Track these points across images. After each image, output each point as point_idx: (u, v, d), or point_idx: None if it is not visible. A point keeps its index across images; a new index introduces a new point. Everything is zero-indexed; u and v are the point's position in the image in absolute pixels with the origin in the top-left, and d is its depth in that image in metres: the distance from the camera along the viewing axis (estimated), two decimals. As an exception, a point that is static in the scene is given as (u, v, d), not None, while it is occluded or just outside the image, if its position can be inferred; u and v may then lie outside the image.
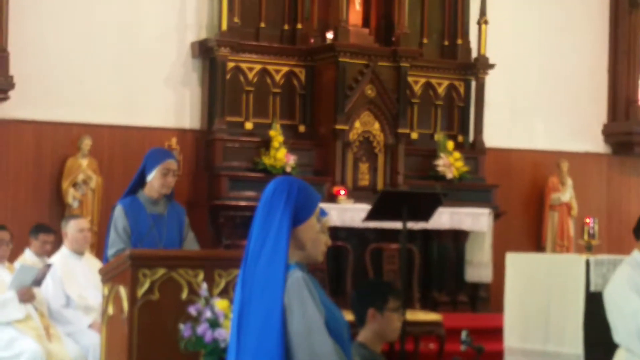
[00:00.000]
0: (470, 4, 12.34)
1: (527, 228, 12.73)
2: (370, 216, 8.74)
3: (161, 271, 5.88)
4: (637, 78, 13.42)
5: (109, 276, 6.20)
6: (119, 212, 6.56)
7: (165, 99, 11.43)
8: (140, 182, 6.67)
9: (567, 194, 12.69)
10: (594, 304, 7.30)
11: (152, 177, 6.54)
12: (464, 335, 5.84)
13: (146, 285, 5.83)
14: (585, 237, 8.37)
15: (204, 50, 11.33)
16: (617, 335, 5.63)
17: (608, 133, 13.66)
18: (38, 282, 7.62)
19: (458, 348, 7.34)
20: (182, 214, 6.90)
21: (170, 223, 6.70)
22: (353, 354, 4.84)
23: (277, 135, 11.05)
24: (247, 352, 3.62)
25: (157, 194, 6.54)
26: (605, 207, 13.28)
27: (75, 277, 7.99)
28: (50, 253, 8.32)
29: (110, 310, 6.12)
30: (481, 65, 12.18)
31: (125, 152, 10.90)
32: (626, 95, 13.46)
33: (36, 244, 8.16)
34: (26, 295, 7.58)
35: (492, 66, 12.22)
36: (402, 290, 7.58)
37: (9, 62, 10.23)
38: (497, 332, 8.56)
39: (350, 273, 10.40)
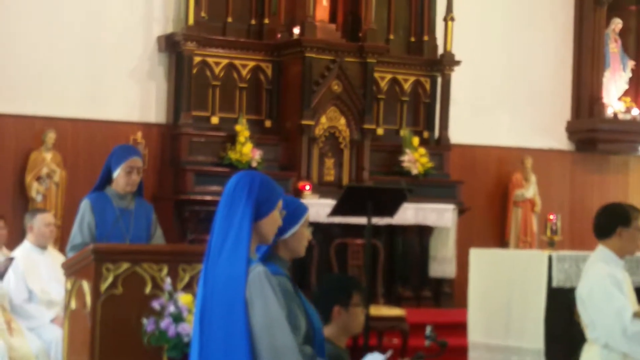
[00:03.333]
0: (437, 0, 12.36)
1: (491, 224, 12.81)
2: (335, 211, 8.73)
3: (125, 265, 5.83)
4: (601, 75, 13.51)
5: (71, 270, 6.16)
6: (85, 206, 6.53)
7: (131, 92, 11.35)
8: (108, 178, 6.65)
9: (530, 190, 12.77)
10: (556, 300, 7.36)
11: (117, 174, 6.51)
12: (427, 330, 5.83)
13: (109, 280, 5.78)
14: (548, 233, 8.43)
15: (170, 44, 11.27)
16: (595, 332, 5.63)
17: (572, 130, 13.75)
18: (0, 276, 7.57)
19: (422, 343, 7.30)
20: (150, 211, 6.86)
21: (137, 219, 6.67)
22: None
23: (243, 130, 11.02)
24: (212, 347, 3.62)
25: (123, 191, 6.52)
26: (568, 204, 13.38)
27: (38, 271, 7.93)
28: (1, 240, 8.34)
29: (73, 304, 6.08)
30: (447, 62, 12.20)
31: (90, 145, 10.82)
32: (590, 92, 13.54)
33: None
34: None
35: (457, 63, 12.26)
36: (365, 285, 7.59)
37: (-29, 54, 10.13)
38: (460, 327, 8.58)
39: (314, 268, 10.40)
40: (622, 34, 13.74)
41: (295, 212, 4.13)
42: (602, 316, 5.60)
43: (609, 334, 5.59)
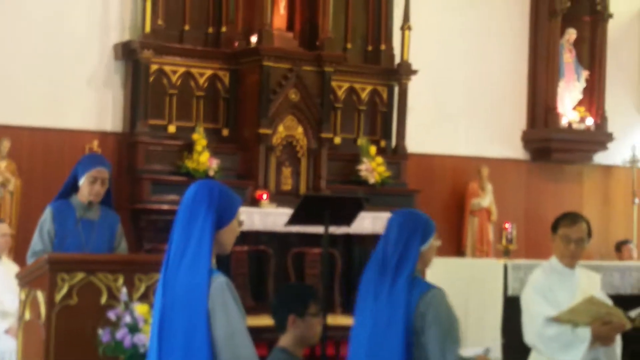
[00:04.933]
0: (394, 9, 12.41)
1: (448, 233, 12.73)
2: (293, 220, 8.71)
3: (80, 275, 5.77)
4: (556, 85, 13.62)
5: (26, 280, 6.08)
6: (47, 214, 6.47)
7: (87, 100, 11.25)
8: (73, 186, 6.58)
9: (486, 200, 12.83)
10: (512, 308, 7.40)
11: (82, 183, 6.45)
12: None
13: (64, 290, 5.72)
14: (504, 242, 8.47)
15: (127, 52, 11.20)
16: (527, 336, 5.75)
17: (527, 139, 13.86)
18: None
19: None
20: (116, 222, 6.79)
21: (100, 230, 6.59)
22: (275, 358, 4.87)
23: (200, 139, 10.98)
24: (174, 357, 3.60)
25: (87, 201, 6.45)
26: (524, 213, 13.46)
27: (-9, 282, 7.86)
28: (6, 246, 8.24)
29: (27, 315, 5.99)
30: (404, 71, 12.26)
31: (45, 154, 10.72)
32: (545, 102, 13.66)
33: None
34: None
35: (414, 72, 12.32)
36: (320, 294, 7.58)
37: None
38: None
39: (272, 277, 10.40)
40: (577, 44, 13.87)
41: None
42: (525, 321, 5.74)
43: (533, 338, 5.70)
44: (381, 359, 4.61)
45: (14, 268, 7.70)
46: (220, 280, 3.58)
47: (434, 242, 4.69)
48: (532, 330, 5.71)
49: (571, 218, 5.86)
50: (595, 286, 6.01)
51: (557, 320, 5.66)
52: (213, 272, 3.60)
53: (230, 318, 3.56)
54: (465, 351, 4.79)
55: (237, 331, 3.56)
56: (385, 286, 4.64)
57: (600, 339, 5.69)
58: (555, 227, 5.88)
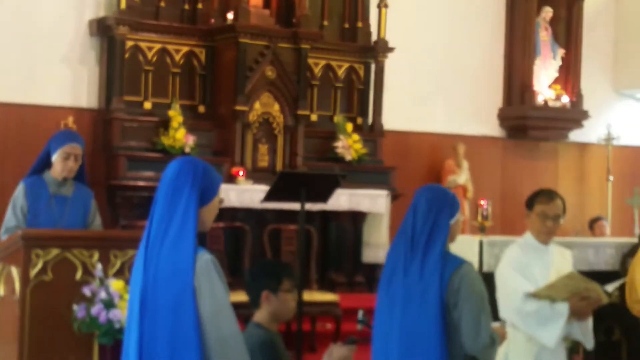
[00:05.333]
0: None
1: None
2: (269, 197, 8.70)
3: (55, 251, 5.77)
4: (532, 63, 13.65)
5: (0, 256, 6.05)
6: (19, 190, 6.45)
7: (62, 77, 11.17)
8: (46, 162, 6.53)
9: (462, 177, 12.85)
10: (487, 284, 7.44)
11: (54, 159, 6.42)
12: (360, 314, 5.86)
13: (39, 266, 5.72)
14: (479, 218, 8.51)
15: (102, 29, 11.12)
16: (502, 312, 5.72)
17: (503, 117, 13.90)
18: None
19: (354, 327, 7.38)
20: (89, 198, 6.76)
21: (73, 205, 6.56)
22: (249, 333, 4.88)
23: (176, 116, 10.94)
24: (156, 336, 3.59)
25: (59, 177, 6.43)
26: (499, 190, 13.52)
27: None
28: None
29: (2, 291, 5.97)
30: (381, 49, 12.25)
31: (20, 130, 10.62)
32: (521, 80, 13.69)
33: None
34: None
35: (391, 49, 12.31)
36: (296, 270, 7.59)
37: None
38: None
39: (248, 254, 10.37)
40: (553, 22, 13.90)
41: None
42: (502, 296, 5.74)
43: (510, 313, 5.72)
44: (416, 334, 4.64)
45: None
46: (205, 258, 3.57)
47: (460, 216, 4.78)
48: (509, 305, 5.70)
49: (547, 195, 5.89)
50: (567, 262, 6.06)
51: (535, 296, 5.68)
52: (198, 249, 3.59)
53: (216, 295, 3.56)
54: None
55: (223, 308, 3.56)
56: (416, 261, 4.68)
57: (577, 313, 5.72)
58: (531, 204, 5.90)
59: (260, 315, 4.89)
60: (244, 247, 10.47)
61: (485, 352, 4.65)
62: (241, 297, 5.08)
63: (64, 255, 5.78)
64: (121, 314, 5.35)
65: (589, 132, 14.10)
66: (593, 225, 12.35)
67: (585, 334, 5.88)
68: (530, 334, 5.73)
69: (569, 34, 13.95)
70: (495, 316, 5.82)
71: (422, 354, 4.64)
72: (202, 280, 3.54)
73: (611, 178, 13.85)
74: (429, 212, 4.75)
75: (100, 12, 11.29)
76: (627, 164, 14.53)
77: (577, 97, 13.82)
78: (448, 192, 4.89)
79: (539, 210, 5.81)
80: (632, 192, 13.49)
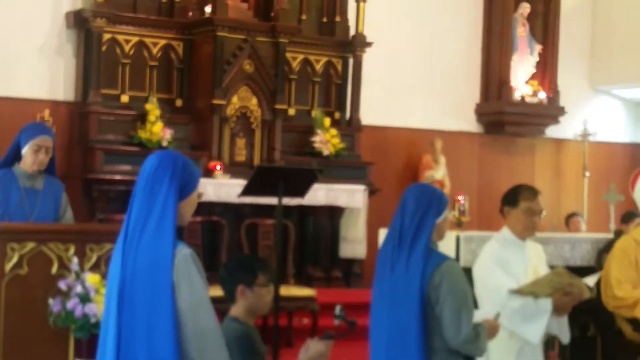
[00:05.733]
0: (349, -18, 12.38)
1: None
2: (246, 191, 8.69)
3: (30, 245, 5.71)
4: (509, 59, 13.71)
5: None
6: None
7: (38, 69, 11.11)
8: (16, 155, 6.47)
9: (440, 172, 12.86)
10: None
11: (24, 152, 6.36)
12: (337, 309, 5.84)
13: (14, 259, 5.66)
14: (456, 214, 8.54)
15: (79, 21, 11.06)
16: (482, 308, 5.69)
17: (480, 112, 13.94)
18: None
19: (331, 322, 7.36)
20: (60, 191, 6.67)
21: (44, 198, 6.49)
22: (226, 328, 4.87)
23: (153, 109, 10.90)
24: (133, 330, 3.58)
25: (30, 170, 6.38)
26: (477, 185, 13.57)
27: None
28: None
29: None
30: (358, 43, 12.25)
31: (-4, 123, 10.56)
32: (498, 75, 13.73)
33: None
34: None
35: (369, 44, 12.31)
36: (273, 265, 7.58)
37: None
38: (369, 307, 8.63)
39: (225, 248, 10.36)
40: (530, 18, 13.94)
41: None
42: (483, 293, 5.77)
43: (491, 310, 5.73)
44: (401, 328, 4.75)
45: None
46: (184, 252, 3.55)
47: (448, 214, 4.85)
48: (493, 303, 5.69)
49: (532, 191, 5.91)
50: (541, 256, 6.13)
51: (519, 292, 5.71)
52: (177, 243, 3.58)
53: (194, 290, 3.55)
54: (475, 315, 4.90)
55: (201, 303, 3.56)
56: (402, 258, 4.77)
57: (560, 309, 5.77)
58: (514, 200, 5.89)
59: (237, 310, 4.88)
60: (221, 241, 10.46)
61: (467, 346, 4.72)
62: (218, 291, 5.07)
63: (40, 248, 5.72)
64: (97, 308, 5.30)
65: (565, 129, 14.18)
66: (569, 220, 12.42)
67: (562, 328, 5.92)
68: (514, 331, 5.76)
69: (546, 30, 14.02)
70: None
71: (405, 347, 4.73)
72: (180, 274, 3.52)
73: (587, 174, 13.96)
74: (416, 211, 4.82)
75: (77, 5, 11.23)
76: (603, 160, 14.62)
77: (553, 93, 13.89)
78: (436, 191, 4.94)
79: (525, 206, 5.83)
80: (608, 188, 13.55)
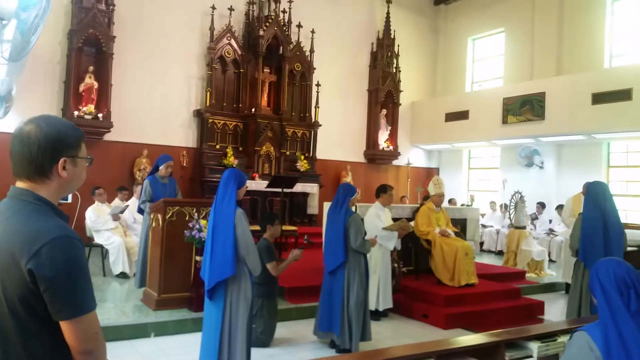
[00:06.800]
0: (312, 97, 12.30)
1: (332, 193, 12.68)
2: (269, 186, 8.69)
3: (176, 207, 5.63)
4: (378, 131, 13.52)
5: (153, 209, 5.81)
6: (146, 183, 6.09)
7: (182, 132, 10.87)
8: (157, 168, 6.15)
9: (349, 179, 12.82)
10: (360, 220, 7.37)
11: (160, 167, 6.16)
12: (306, 237, 5.88)
13: (169, 214, 5.57)
14: (358, 196, 8.48)
15: (197, 113, 10.85)
16: (369, 233, 5.54)
17: (366, 154, 13.65)
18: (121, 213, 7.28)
19: (303, 242, 7.39)
20: (176, 184, 6.28)
21: (169, 188, 6.14)
22: (261, 241, 4.85)
23: (230, 151, 10.74)
24: (217, 243, 3.54)
25: (163, 175, 6.13)
26: (364, 185, 13.40)
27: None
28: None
29: (154, 223, 5.76)
30: (316, 125, 12.17)
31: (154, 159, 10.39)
32: (373, 138, 13.58)
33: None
34: (115, 217, 7.26)
35: (320, 125, 12.23)
36: (280, 216, 7.62)
37: None
38: (320, 235, 8.54)
39: (259, 210, 10.32)
40: (386, 115, 13.85)
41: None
42: (369, 228, 5.69)
43: (373, 234, 5.66)
44: (333, 238, 4.67)
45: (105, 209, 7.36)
46: (239, 211, 3.56)
47: (357, 196, 4.84)
48: (373, 232, 5.64)
49: (389, 187, 5.98)
50: (389, 215, 6.08)
51: (385, 228, 5.73)
52: (236, 207, 3.56)
53: (242, 227, 3.51)
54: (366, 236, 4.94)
55: (246, 231, 3.51)
56: (337, 211, 4.73)
57: (400, 235, 5.81)
58: (384, 190, 5.94)
59: (266, 235, 4.92)
60: (256, 207, 10.41)
61: (360, 247, 4.67)
62: (257, 227, 5.06)
63: (181, 209, 5.66)
64: (204, 235, 5.28)
65: (400, 161, 14.18)
66: (402, 199, 12.50)
67: (397, 243, 5.95)
68: (382, 243, 5.75)
69: (392, 121, 13.85)
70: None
71: (335, 248, 4.65)
72: (237, 220, 3.53)
73: (409, 180, 13.93)
74: (343, 193, 4.80)
75: (197, 106, 11.06)
76: (416, 174, 14.65)
77: (395, 146, 13.78)
78: (350, 185, 4.91)
79: (389, 193, 5.90)
80: (416, 186, 13.57)
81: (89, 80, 9.45)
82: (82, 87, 9.42)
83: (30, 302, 1.31)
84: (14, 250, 1.32)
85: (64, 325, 1.33)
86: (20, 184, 1.43)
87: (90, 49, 9.58)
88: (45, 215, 1.37)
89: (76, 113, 9.32)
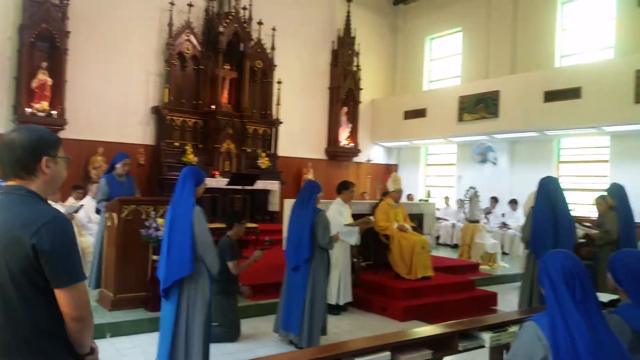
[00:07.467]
0: (273, 95, 12.21)
1: (294, 190, 12.52)
2: (229, 183, 8.63)
3: (133, 206, 5.52)
4: (338, 129, 13.52)
5: (109, 208, 5.67)
6: (103, 181, 6.01)
7: (139, 129, 10.61)
8: (113, 166, 6.07)
9: (310, 176, 12.74)
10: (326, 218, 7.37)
11: (117, 165, 6.04)
12: (267, 239, 5.87)
13: (126, 212, 5.47)
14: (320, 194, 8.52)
15: (156, 110, 10.62)
16: (333, 229, 5.47)
17: (327, 151, 13.64)
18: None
19: (264, 238, 7.37)
20: (133, 182, 6.21)
21: (128, 185, 6.05)
22: (224, 239, 4.81)
23: (189, 148, 10.58)
24: (175, 242, 3.51)
25: (120, 173, 6.04)
26: (326, 181, 13.28)
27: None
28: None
29: (109, 222, 5.62)
30: (277, 122, 12.14)
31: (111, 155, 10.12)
32: (334, 136, 13.61)
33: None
34: (69, 217, 7.01)
35: (281, 122, 12.22)
36: (242, 214, 7.57)
37: None
38: (280, 232, 8.55)
39: (219, 208, 10.22)
40: (347, 113, 13.83)
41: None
42: (333, 224, 5.57)
43: (336, 230, 5.65)
44: (300, 235, 4.60)
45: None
46: (197, 208, 3.54)
47: (320, 194, 4.75)
48: (337, 227, 5.61)
49: (351, 183, 5.99)
50: (349, 211, 6.12)
51: (347, 225, 5.75)
52: (194, 204, 3.53)
53: (200, 225, 3.49)
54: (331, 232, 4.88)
55: (204, 229, 3.49)
56: (303, 208, 4.65)
57: (361, 230, 5.80)
58: (346, 187, 5.94)
59: (231, 232, 4.89)
60: (217, 204, 10.30)
61: (326, 245, 4.64)
62: (220, 225, 5.02)
63: (137, 208, 5.55)
64: (161, 233, 5.20)
65: (360, 158, 14.25)
66: (363, 195, 12.63)
67: (358, 238, 5.97)
68: (344, 239, 5.75)
69: (349, 118, 13.82)
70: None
71: (301, 245, 4.61)
72: (195, 218, 3.50)
73: (369, 176, 14.05)
74: (307, 190, 4.72)
75: (156, 102, 10.80)
76: (376, 170, 14.75)
77: (355, 143, 13.84)
78: (315, 182, 4.84)
79: (351, 189, 5.90)
80: (375, 183, 13.69)
81: (42, 77, 9.07)
82: (34, 84, 9.02)
83: (31, 274, 1.55)
84: (16, 231, 1.55)
85: (61, 294, 1.56)
86: (11, 183, 1.68)
87: (43, 44, 9.19)
88: (38, 202, 1.63)
89: (29, 110, 8.95)
